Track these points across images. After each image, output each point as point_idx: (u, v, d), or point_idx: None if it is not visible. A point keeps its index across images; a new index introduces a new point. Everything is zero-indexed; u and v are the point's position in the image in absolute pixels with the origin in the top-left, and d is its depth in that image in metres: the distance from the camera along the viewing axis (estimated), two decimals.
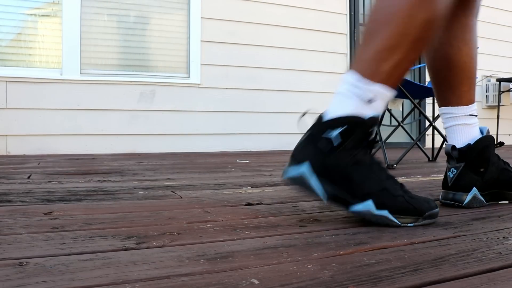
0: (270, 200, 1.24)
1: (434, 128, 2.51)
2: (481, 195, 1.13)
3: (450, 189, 1.14)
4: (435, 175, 1.93)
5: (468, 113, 1.16)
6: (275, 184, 1.58)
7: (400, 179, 1.77)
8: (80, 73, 3.32)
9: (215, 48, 3.72)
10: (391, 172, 2.07)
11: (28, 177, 1.71)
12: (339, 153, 0.90)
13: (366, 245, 0.75)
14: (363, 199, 0.88)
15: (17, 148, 3.11)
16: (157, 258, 0.66)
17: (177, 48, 3.67)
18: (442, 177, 1.19)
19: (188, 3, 3.66)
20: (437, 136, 3.57)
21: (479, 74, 4.94)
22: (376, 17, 0.92)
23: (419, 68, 4.59)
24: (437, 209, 0.93)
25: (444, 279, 0.58)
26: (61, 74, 3.26)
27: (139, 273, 0.59)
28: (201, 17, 3.66)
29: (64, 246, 0.72)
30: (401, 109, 3.30)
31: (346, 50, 4.25)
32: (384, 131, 4.25)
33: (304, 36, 4.05)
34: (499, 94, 4.92)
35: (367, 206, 0.88)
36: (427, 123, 4.50)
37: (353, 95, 0.90)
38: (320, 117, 0.93)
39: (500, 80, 4.87)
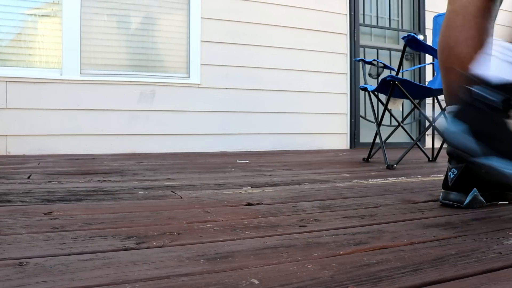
0: (270, 200, 1.24)
1: (434, 128, 2.51)
2: (481, 195, 1.13)
3: (451, 190, 1.14)
4: (435, 175, 1.93)
5: None
6: (275, 184, 1.58)
7: (400, 179, 1.77)
8: (80, 73, 3.32)
9: (215, 48, 3.72)
10: (391, 172, 2.07)
11: (28, 177, 1.71)
12: (501, 114, 0.91)
13: (366, 245, 0.75)
14: None
15: (17, 148, 3.11)
16: (157, 258, 0.66)
17: (177, 48, 3.67)
18: (442, 177, 1.19)
19: (188, 3, 3.66)
20: (437, 136, 3.57)
21: None
22: None
23: (419, 68, 4.59)
24: None
25: (444, 279, 0.58)
26: (61, 74, 3.26)
27: (139, 273, 0.59)
28: (201, 17, 3.66)
29: (64, 246, 0.72)
30: (401, 109, 3.30)
31: (346, 50, 4.25)
32: (384, 131, 4.25)
33: (304, 36, 4.05)
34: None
35: None
36: (427, 123, 4.50)
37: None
38: (483, 81, 0.93)
39: None
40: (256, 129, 3.84)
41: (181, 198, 1.26)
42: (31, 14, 3.26)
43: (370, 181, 1.71)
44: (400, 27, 4.64)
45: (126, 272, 0.60)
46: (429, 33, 4.56)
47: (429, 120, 2.46)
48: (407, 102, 4.24)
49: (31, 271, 0.59)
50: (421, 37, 4.54)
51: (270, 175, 1.90)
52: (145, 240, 0.77)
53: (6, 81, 3.08)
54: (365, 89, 2.66)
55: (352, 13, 4.26)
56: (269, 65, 3.90)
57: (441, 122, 0.96)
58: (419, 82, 4.58)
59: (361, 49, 4.38)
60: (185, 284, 0.55)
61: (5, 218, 0.94)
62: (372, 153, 2.72)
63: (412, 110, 2.87)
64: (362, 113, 4.36)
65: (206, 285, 0.55)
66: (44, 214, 0.99)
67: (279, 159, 2.87)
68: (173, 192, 1.37)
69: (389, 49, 4.55)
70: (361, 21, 4.39)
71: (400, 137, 4.38)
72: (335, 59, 4.20)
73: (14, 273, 0.58)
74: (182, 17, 3.67)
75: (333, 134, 4.18)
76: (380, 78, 4.35)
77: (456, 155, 1.14)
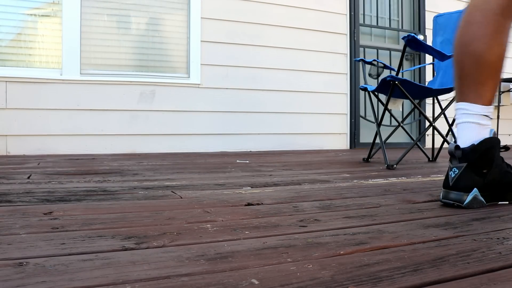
0: (270, 200, 1.24)
1: (434, 128, 2.51)
2: (481, 195, 1.13)
3: (451, 189, 1.14)
4: (435, 176, 1.93)
5: (484, 113, 1.15)
6: (275, 184, 1.58)
7: (400, 180, 1.77)
8: (80, 73, 3.32)
9: (215, 48, 3.72)
10: (391, 172, 2.07)
11: (28, 177, 1.71)
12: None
13: (366, 245, 0.75)
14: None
15: (17, 148, 3.11)
16: (157, 258, 0.66)
17: (177, 48, 3.67)
18: (442, 178, 1.20)
19: (188, 3, 3.66)
20: (437, 136, 3.57)
21: None
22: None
23: (419, 68, 4.59)
24: None
25: (444, 279, 0.58)
26: (61, 74, 3.26)
27: (139, 273, 0.59)
28: (201, 17, 3.66)
29: (64, 246, 0.72)
30: (401, 110, 3.31)
31: (346, 50, 4.25)
32: (384, 131, 4.25)
33: (304, 36, 4.05)
34: (499, 94, 4.92)
35: None
36: (427, 124, 4.51)
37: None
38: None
39: (500, 80, 4.87)
40: (256, 129, 3.84)
41: (181, 198, 1.26)
42: (31, 14, 3.26)
43: (370, 181, 1.71)
44: (400, 27, 4.64)
45: (126, 272, 0.60)
46: (429, 33, 4.56)
47: (429, 120, 2.46)
48: (407, 102, 4.25)
49: (31, 271, 0.59)
50: (421, 37, 4.54)
51: (270, 175, 1.90)
52: (145, 240, 0.77)
53: (6, 81, 3.08)
54: (365, 89, 2.66)
55: (352, 13, 4.26)
56: (269, 65, 3.90)
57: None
58: (419, 82, 4.58)
59: (361, 49, 4.38)
60: (185, 284, 0.55)
61: (5, 218, 0.94)
62: (372, 153, 2.72)
63: (412, 110, 2.87)
64: (362, 113, 4.36)
65: (206, 285, 0.55)
66: (44, 214, 0.99)
67: (279, 159, 2.87)
68: (173, 192, 1.37)
69: (389, 49, 4.55)
70: (361, 21, 4.39)
71: (400, 137, 4.38)
72: (335, 59, 4.20)
73: (14, 273, 0.58)
74: (182, 17, 3.67)
75: (333, 134, 4.18)
76: (380, 78, 4.35)
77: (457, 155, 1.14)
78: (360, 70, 4.26)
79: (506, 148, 1.23)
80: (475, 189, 1.12)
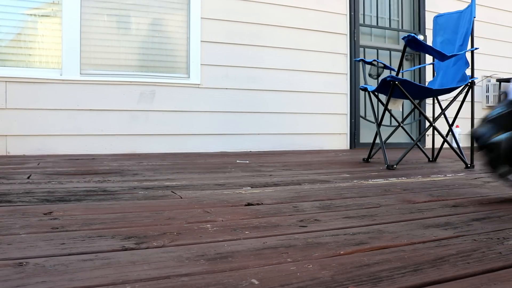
0: (270, 200, 1.24)
1: (434, 128, 2.51)
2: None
3: (488, 122, 1.11)
4: (435, 176, 1.93)
5: None
6: (275, 184, 1.58)
7: (400, 180, 1.77)
8: (80, 73, 3.32)
9: (215, 48, 3.72)
10: (391, 172, 2.07)
11: (28, 177, 1.71)
12: None
13: (366, 245, 0.75)
14: None
15: (17, 148, 3.10)
16: (157, 258, 0.66)
17: (177, 48, 3.67)
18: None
19: (188, 3, 3.66)
20: (437, 136, 3.56)
21: (479, 74, 4.94)
22: None
23: (419, 68, 4.59)
24: None
25: (444, 279, 0.58)
26: (61, 75, 3.26)
27: (139, 273, 0.59)
28: (201, 17, 3.66)
29: (64, 246, 0.72)
30: (401, 110, 3.30)
31: (346, 50, 4.24)
32: (384, 132, 4.25)
33: (304, 36, 4.05)
34: (499, 95, 4.92)
35: None
36: (427, 124, 4.50)
37: None
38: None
39: (500, 81, 4.87)
40: (256, 129, 3.84)
41: (181, 198, 1.26)
42: (31, 14, 3.26)
43: (370, 181, 1.71)
44: (400, 27, 4.64)
45: (126, 272, 0.60)
46: (429, 33, 4.56)
47: (429, 121, 2.46)
48: (407, 103, 4.24)
49: (31, 271, 0.59)
50: (421, 37, 4.54)
51: (270, 175, 1.90)
52: (145, 240, 0.77)
53: (6, 81, 3.08)
54: (365, 89, 2.66)
55: (352, 13, 4.26)
56: (269, 65, 3.90)
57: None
58: (419, 82, 4.58)
59: (361, 49, 4.38)
60: (185, 284, 0.55)
61: (5, 218, 0.94)
62: (372, 153, 2.72)
63: (412, 110, 2.87)
64: (362, 113, 4.36)
65: (206, 285, 0.55)
66: (44, 214, 0.99)
67: (279, 159, 2.87)
68: (173, 192, 1.37)
69: (389, 49, 4.55)
70: (361, 21, 4.39)
71: (400, 137, 4.38)
72: (335, 59, 4.20)
73: (14, 273, 0.58)
74: (182, 17, 3.67)
75: (333, 135, 4.18)
76: (380, 78, 4.35)
77: None
78: (360, 70, 4.26)
79: None
80: (511, 132, 1.08)
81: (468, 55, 2.46)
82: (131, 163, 2.46)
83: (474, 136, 1.11)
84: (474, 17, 2.35)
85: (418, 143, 2.64)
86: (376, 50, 4.48)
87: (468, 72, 2.48)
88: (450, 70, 2.61)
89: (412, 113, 3.78)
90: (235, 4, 3.79)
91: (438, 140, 3.81)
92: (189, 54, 3.65)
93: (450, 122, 2.60)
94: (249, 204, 1.16)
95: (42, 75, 3.21)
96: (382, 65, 2.92)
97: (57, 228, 0.86)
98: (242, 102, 3.80)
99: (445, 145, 2.64)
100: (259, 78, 3.86)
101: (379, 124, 2.58)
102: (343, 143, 4.23)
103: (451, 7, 4.49)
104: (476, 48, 2.43)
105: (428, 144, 4.51)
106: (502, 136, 1.07)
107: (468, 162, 2.38)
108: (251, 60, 3.84)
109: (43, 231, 0.83)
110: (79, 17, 3.31)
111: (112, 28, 3.47)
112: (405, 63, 4.61)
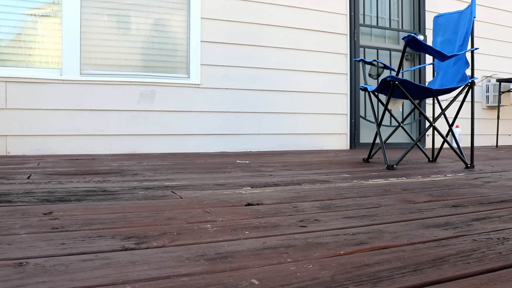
0: (270, 200, 1.24)
1: (434, 128, 2.51)
2: None
3: None
4: (435, 176, 1.93)
5: None
6: (275, 185, 1.58)
7: (400, 180, 1.77)
8: (80, 73, 3.32)
9: (215, 48, 3.72)
10: (391, 172, 2.07)
11: (28, 178, 1.71)
12: None
13: (366, 245, 0.75)
14: None
15: (16, 148, 3.11)
16: (157, 258, 0.66)
17: (177, 48, 3.67)
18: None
19: (188, 3, 3.66)
20: (437, 136, 3.57)
21: (479, 75, 4.94)
22: None
23: (419, 68, 4.59)
24: None
25: (444, 279, 0.58)
26: (60, 75, 3.26)
27: (139, 273, 0.59)
28: (201, 17, 3.66)
29: (64, 246, 0.72)
30: (401, 110, 3.31)
31: (346, 50, 4.25)
32: (384, 132, 4.25)
33: (304, 36, 4.05)
34: (499, 95, 4.92)
35: None
36: (427, 124, 4.50)
37: None
38: None
39: (500, 81, 4.87)
40: (256, 129, 3.84)
41: (181, 198, 1.26)
42: (31, 14, 3.26)
43: (370, 182, 1.71)
44: (400, 27, 4.64)
45: (126, 272, 0.60)
46: (429, 33, 4.56)
47: (429, 121, 2.46)
48: (407, 103, 4.24)
49: (31, 271, 0.59)
50: (421, 37, 4.54)
51: (270, 175, 1.90)
52: (145, 240, 0.77)
53: (6, 81, 3.08)
54: (365, 89, 2.66)
55: (352, 13, 4.26)
56: (269, 65, 3.90)
57: None
58: (419, 82, 4.58)
59: (361, 49, 4.38)
60: (185, 284, 0.55)
61: (5, 218, 0.94)
62: (372, 153, 2.72)
63: (412, 110, 2.87)
64: (362, 113, 4.36)
65: (206, 285, 0.55)
66: (44, 214, 0.99)
67: (279, 159, 2.87)
68: (173, 192, 1.37)
69: (389, 49, 4.55)
70: (361, 21, 4.39)
71: (400, 137, 4.38)
72: (335, 59, 4.20)
73: (14, 273, 0.58)
74: (182, 17, 3.67)
75: (333, 135, 4.18)
76: (380, 78, 4.35)
77: None
78: (360, 70, 4.26)
79: None
80: None
81: (468, 55, 2.46)
82: (131, 163, 2.46)
83: None
84: (474, 17, 2.35)
85: (418, 143, 2.64)
86: (376, 50, 4.48)
87: (468, 72, 2.48)
88: (450, 70, 2.61)
89: (412, 113, 3.78)
90: (235, 4, 3.79)
91: (438, 140, 3.82)
92: (189, 54, 3.65)
93: (450, 122, 2.60)
94: (249, 204, 1.16)
95: (42, 75, 3.21)
96: (382, 65, 2.92)
97: (57, 228, 0.86)
98: (242, 102, 3.80)
99: (445, 145, 2.64)
100: (259, 78, 3.86)
101: (379, 124, 2.58)
102: (343, 143, 4.23)
103: (451, 7, 4.50)
104: (476, 48, 2.43)
105: (428, 144, 4.51)
106: None
107: (468, 162, 2.37)
108: (251, 60, 3.84)
109: (43, 231, 0.83)
110: (79, 17, 3.31)
111: (112, 28, 3.47)
112: (405, 63, 4.61)
